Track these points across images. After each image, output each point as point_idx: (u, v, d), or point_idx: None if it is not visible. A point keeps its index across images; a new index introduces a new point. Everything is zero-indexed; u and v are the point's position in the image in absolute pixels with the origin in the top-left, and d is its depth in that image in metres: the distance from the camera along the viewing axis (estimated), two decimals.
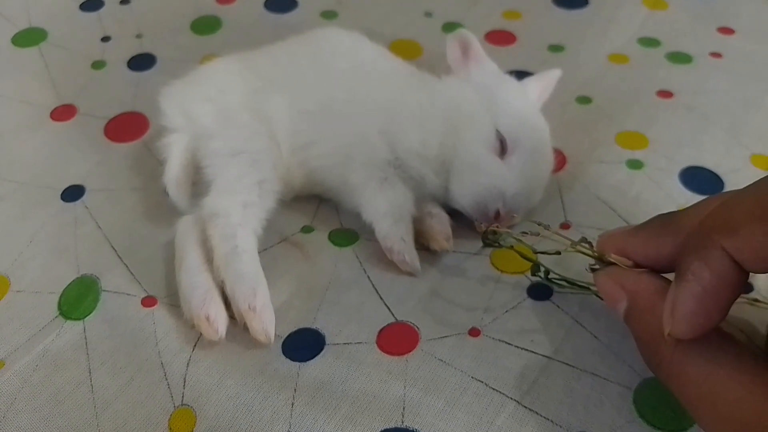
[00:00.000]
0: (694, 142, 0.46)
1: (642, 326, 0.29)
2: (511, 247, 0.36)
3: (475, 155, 0.40)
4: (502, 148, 0.40)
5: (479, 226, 0.36)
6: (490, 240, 0.36)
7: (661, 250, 0.29)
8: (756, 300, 0.33)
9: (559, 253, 0.34)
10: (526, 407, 0.32)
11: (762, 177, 0.26)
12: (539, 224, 0.34)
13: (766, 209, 0.24)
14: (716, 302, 0.25)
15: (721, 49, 0.55)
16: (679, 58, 0.54)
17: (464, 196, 0.40)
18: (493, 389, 0.33)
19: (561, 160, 0.45)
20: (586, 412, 0.32)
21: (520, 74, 0.45)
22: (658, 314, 0.27)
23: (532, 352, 0.34)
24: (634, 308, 0.29)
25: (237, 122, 0.41)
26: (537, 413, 0.32)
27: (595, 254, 0.32)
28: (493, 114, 0.41)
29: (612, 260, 0.31)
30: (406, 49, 0.54)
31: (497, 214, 0.38)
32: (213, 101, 0.42)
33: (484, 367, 0.33)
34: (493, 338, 0.35)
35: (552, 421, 0.31)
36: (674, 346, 0.27)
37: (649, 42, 0.56)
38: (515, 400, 0.32)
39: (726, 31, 0.57)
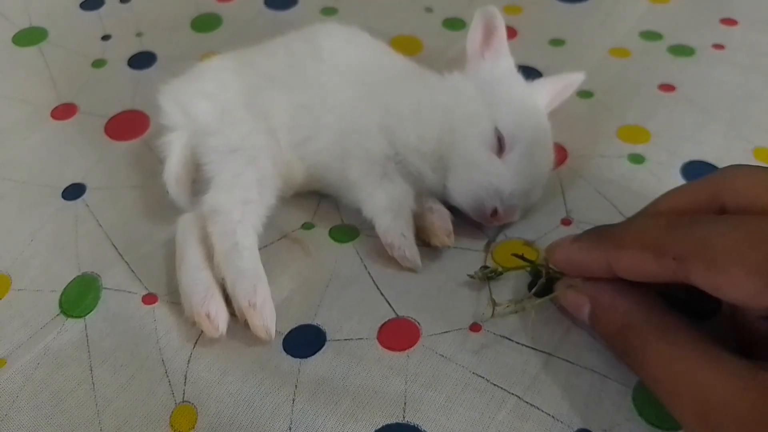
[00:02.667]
0: (696, 136, 0.46)
1: (607, 322, 0.31)
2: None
3: (472, 153, 0.39)
4: (500, 146, 0.39)
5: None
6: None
7: (595, 261, 0.31)
8: None
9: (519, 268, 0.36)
10: (527, 403, 0.32)
11: (647, 216, 0.31)
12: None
13: (645, 243, 0.29)
14: (582, 271, 0.32)
15: (724, 40, 0.55)
16: (681, 50, 0.54)
17: (461, 194, 0.39)
18: (495, 385, 0.32)
19: (562, 155, 0.45)
20: (586, 408, 0.31)
21: (521, 69, 0.45)
22: (620, 309, 0.30)
23: (533, 348, 0.34)
24: (598, 308, 0.32)
25: (236, 119, 0.41)
26: (538, 408, 0.32)
27: (552, 271, 0.34)
28: (492, 112, 0.40)
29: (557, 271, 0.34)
30: (406, 45, 0.54)
31: (494, 212, 0.38)
32: (211, 98, 0.42)
33: (485, 363, 0.33)
34: (494, 334, 0.35)
35: (553, 417, 0.31)
36: (639, 336, 0.29)
37: (651, 35, 0.56)
38: (516, 395, 0.32)
39: (729, 22, 0.57)
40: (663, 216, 0.31)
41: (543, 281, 0.35)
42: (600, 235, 0.32)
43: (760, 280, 0.25)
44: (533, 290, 0.35)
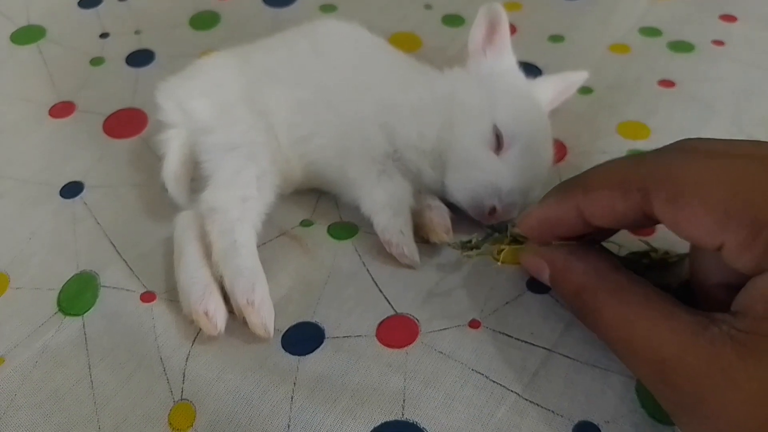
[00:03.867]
0: (697, 132, 0.46)
1: (565, 284, 0.32)
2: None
3: (470, 150, 0.39)
4: (499, 144, 0.39)
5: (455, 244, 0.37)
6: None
7: (565, 212, 0.31)
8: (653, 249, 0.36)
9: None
10: (526, 399, 0.32)
11: (626, 155, 0.31)
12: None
13: (612, 182, 0.29)
14: (552, 229, 0.32)
15: (724, 37, 0.55)
16: (681, 46, 0.54)
17: (459, 192, 0.39)
18: (494, 381, 0.32)
19: (562, 151, 0.45)
20: (588, 402, 0.31)
21: (521, 65, 0.45)
22: (576, 271, 0.31)
23: (532, 344, 0.34)
24: (554, 271, 0.32)
25: (234, 116, 0.41)
26: (538, 405, 0.31)
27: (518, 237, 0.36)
28: (492, 109, 0.40)
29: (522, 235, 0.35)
30: (405, 42, 0.54)
31: (493, 210, 0.38)
32: (210, 95, 0.42)
33: (484, 360, 0.33)
34: (493, 330, 0.35)
35: (553, 412, 0.31)
36: (594, 297, 0.30)
37: (651, 31, 0.56)
38: (516, 392, 0.32)
39: (728, 18, 0.57)
40: (629, 156, 0.31)
41: (494, 237, 0.36)
42: (567, 184, 0.32)
43: (718, 218, 0.25)
44: (483, 239, 0.36)
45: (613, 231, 0.34)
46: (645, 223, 0.29)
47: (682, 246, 0.37)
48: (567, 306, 0.33)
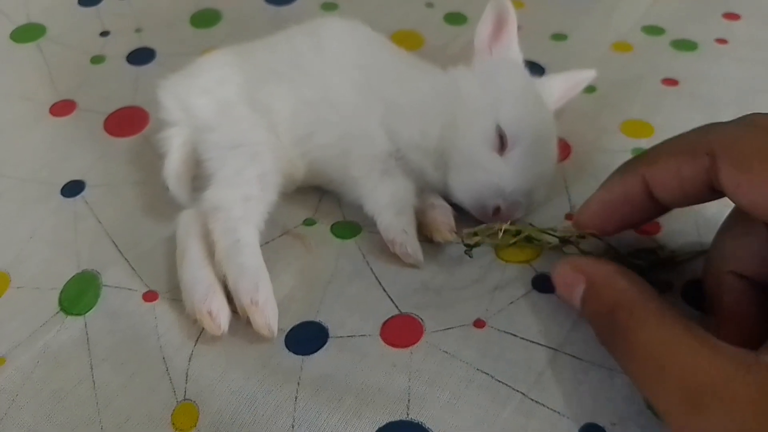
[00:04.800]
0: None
1: (601, 301, 0.30)
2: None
3: (472, 151, 0.39)
4: (502, 144, 0.39)
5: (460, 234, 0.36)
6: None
7: (630, 187, 0.32)
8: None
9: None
10: (532, 400, 0.31)
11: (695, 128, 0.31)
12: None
13: (679, 148, 0.30)
14: (615, 212, 0.32)
15: (727, 35, 0.55)
16: (684, 45, 0.54)
17: (462, 192, 0.39)
18: (499, 381, 0.32)
19: (566, 150, 0.44)
20: (594, 403, 0.31)
21: (525, 64, 0.44)
22: (617, 287, 0.30)
23: (538, 344, 0.34)
24: (593, 286, 0.31)
25: (236, 114, 0.41)
26: (544, 405, 0.31)
27: (566, 235, 0.35)
28: (495, 109, 0.39)
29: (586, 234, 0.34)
30: (407, 40, 0.53)
31: (497, 211, 0.38)
32: (211, 94, 0.42)
33: (489, 359, 0.33)
34: (498, 330, 0.34)
35: (559, 413, 0.31)
36: (633, 316, 0.28)
37: (654, 30, 0.55)
38: (521, 392, 0.32)
39: (731, 16, 0.57)
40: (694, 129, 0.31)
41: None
42: (629, 162, 0.32)
43: None
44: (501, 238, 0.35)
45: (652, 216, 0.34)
46: (706, 197, 0.29)
47: (688, 247, 0.37)
48: (591, 325, 0.31)
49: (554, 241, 0.36)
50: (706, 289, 0.33)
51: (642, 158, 0.31)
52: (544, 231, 0.36)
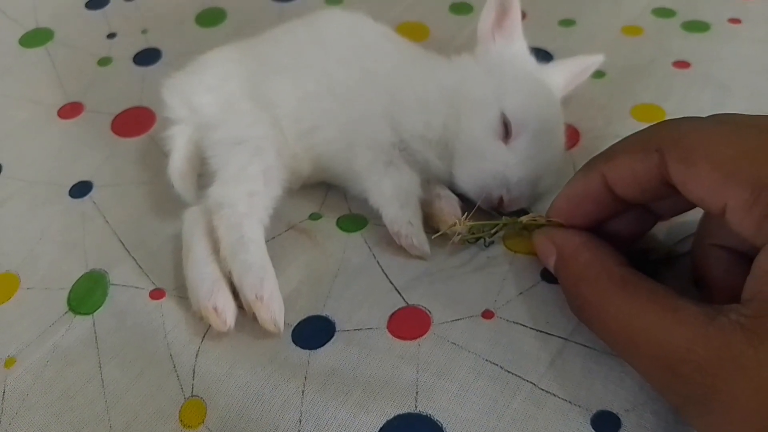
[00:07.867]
0: (714, 113, 0.45)
1: (568, 272, 0.31)
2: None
3: (476, 140, 0.38)
4: (507, 133, 0.38)
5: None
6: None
7: (591, 181, 0.32)
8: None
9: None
10: (542, 390, 0.31)
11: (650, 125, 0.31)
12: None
13: (633, 146, 0.30)
14: (578, 208, 0.33)
15: (740, 14, 0.53)
16: (696, 26, 0.52)
17: (466, 182, 0.39)
18: (509, 372, 0.32)
19: (575, 136, 0.44)
20: (606, 390, 0.31)
21: (532, 51, 0.44)
22: (580, 261, 0.31)
23: (548, 333, 0.33)
24: (561, 258, 0.32)
25: (239, 110, 0.41)
26: (554, 395, 0.31)
27: (537, 221, 0.35)
28: (500, 97, 0.39)
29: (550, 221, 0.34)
30: (412, 32, 0.53)
31: (501, 200, 0.37)
32: (214, 90, 0.42)
33: (498, 350, 0.33)
34: (507, 320, 0.34)
35: (570, 402, 0.30)
36: (596, 289, 0.29)
37: (664, 12, 0.54)
38: (531, 382, 0.31)
39: None
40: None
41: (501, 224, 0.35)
42: (592, 158, 0.32)
43: (722, 176, 0.26)
44: (494, 230, 0.36)
45: (645, 227, 0.34)
46: (664, 192, 0.29)
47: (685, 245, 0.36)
48: (565, 296, 0.32)
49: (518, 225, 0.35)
50: (695, 262, 0.33)
51: (602, 156, 0.32)
52: (512, 222, 0.36)
